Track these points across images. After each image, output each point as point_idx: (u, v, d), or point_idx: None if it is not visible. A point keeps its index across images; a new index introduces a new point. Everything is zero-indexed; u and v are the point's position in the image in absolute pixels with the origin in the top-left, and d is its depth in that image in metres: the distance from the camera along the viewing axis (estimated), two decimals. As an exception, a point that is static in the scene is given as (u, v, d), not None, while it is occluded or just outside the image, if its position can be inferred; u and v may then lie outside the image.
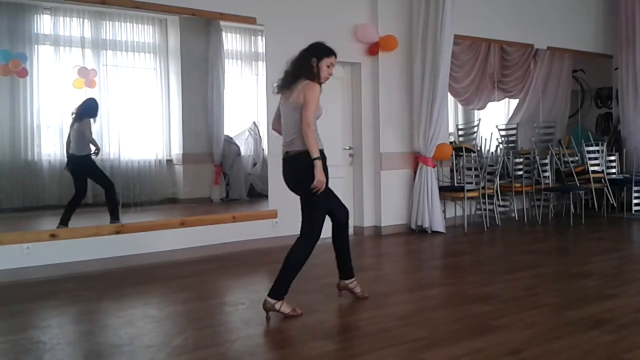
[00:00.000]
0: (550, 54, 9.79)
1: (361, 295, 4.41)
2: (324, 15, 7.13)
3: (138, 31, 6.76)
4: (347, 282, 4.40)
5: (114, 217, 6.10)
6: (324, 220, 4.11)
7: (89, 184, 6.28)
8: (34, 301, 4.64)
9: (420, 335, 3.58)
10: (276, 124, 4.38)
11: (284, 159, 4.14)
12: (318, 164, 3.90)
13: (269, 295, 3.96)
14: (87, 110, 6.15)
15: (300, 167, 3.98)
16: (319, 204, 4.02)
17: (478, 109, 9.51)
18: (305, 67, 4.03)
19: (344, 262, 4.37)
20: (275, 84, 4.21)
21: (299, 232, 4.04)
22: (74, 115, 6.13)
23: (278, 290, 3.96)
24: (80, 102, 6.16)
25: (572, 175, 8.66)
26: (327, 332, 3.76)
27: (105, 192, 6.25)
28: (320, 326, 3.83)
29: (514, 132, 9.38)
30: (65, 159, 6.18)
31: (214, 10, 6.49)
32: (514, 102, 9.98)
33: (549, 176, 8.72)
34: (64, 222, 5.91)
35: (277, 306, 3.93)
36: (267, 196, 6.91)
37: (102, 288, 5.04)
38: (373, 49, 7.59)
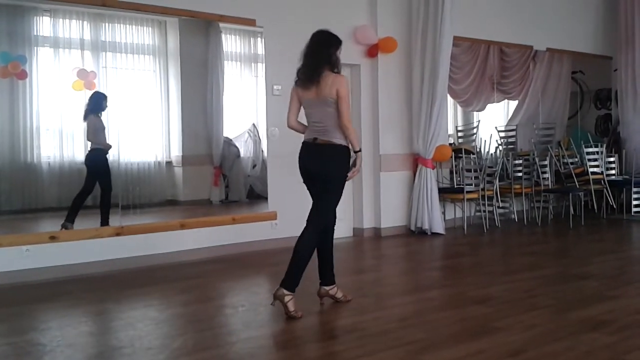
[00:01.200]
0: (549, 56, 9.79)
1: (344, 299, 4.37)
2: (323, 17, 7.12)
3: (137, 33, 6.76)
4: (327, 288, 4.34)
5: (105, 222, 6.10)
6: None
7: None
8: (34, 303, 4.63)
9: (420, 337, 3.58)
10: (293, 121, 4.28)
11: (310, 143, 4.13)
12: (360, 155, 4.14)
13: (282, 285, 3.96)
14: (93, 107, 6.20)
15: (332, 158, 4.07)
16: (340, 194, 4.14)
17: (477, 111, 9.51)
18: (327, 59, 4.08)
19: (328, 268, 4.33)
20: (295, 79, 4.17)
21: (306, 223, 4.10)
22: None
23: (291, 282, 3.97)
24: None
25: (572, 177, 8.67)
26: (328, 334, 3.76)
27: (103, 194, 6.25)
28: (321, 328, 3.83)
29: (513, 133, 9.38)
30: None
31: (214, 12, 6.49)
32: (514, 104, 9.98)
33: (548, 178, 8.72)
34: (70, 220, 5.93)
35: (287, 299, 3.94)
36: (266, 198, 6.91)
37: (102, 290, 5.04)
38: (372, 51, 7.59)
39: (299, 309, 3.99)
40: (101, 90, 6.29)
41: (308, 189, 4.23)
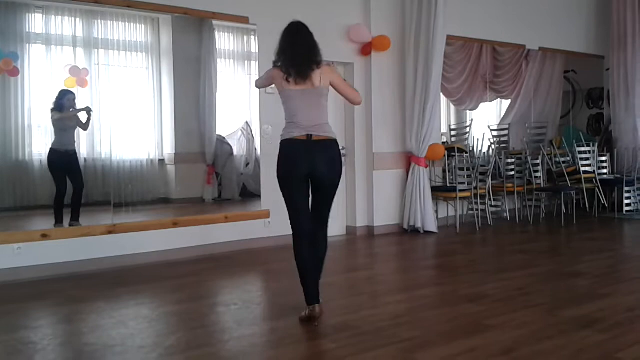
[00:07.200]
0: (542, 55, 9.83)
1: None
2: (316, 15, 7.10)
3: (130, 30, 6.74)
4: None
5: (75, 219, 6.08)
6: None
7: (86, 183, 6.31)
8: (25, 301, 4.61)
9: (413, 335, 3.59)
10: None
11: (307, 142, 3.84)
12: None
13: (317, 302, 3.87)
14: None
15: (338, 155, 3.97)
16: None
17: (470, 110, 9.55)
18: (319, 51, 3.99)
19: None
20: (293, 70, 3.87)
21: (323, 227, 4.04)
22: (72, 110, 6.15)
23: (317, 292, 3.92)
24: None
25: (564, 176, 8.70)
26: (321, 332, 3.76)
27: (77, 192, 6.23)
28: (313, 326, 3.83)
29: (505, 132, 9.41)
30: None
31: (207, 10, 6.48)
32: (506, 103, 10.02)
33: (540, 176, 8.75)
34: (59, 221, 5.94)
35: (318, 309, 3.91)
36: (259, 196, 6.90)
37: (94, 288, 5.02)
38: (366, 49, 7.59)
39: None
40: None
41: (296, 191, 3.88)
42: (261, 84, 4.31)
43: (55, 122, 6.11)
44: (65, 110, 6.12)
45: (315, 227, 3.98)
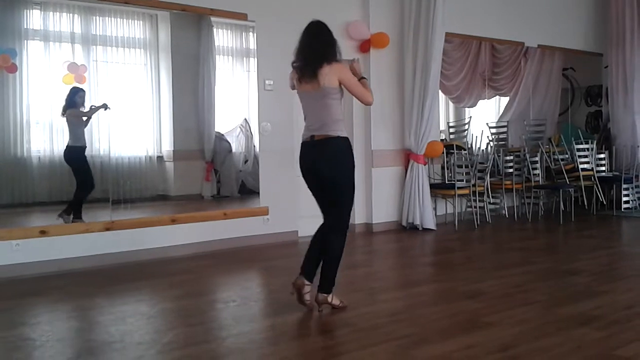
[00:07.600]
0: (540, 52, 9.82)
1: (341, 305, 4.12)
2: (315, 11, 7.06)
3: (128, 26, 6.73)
4: (326, 295, 4.04)
5: (78, 216, 6.09)
6: None
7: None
8: (24, 298, 4.61)
9: (410, 331, 3.59)
10: None
11: (309, 143, 3.95)
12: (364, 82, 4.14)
13: (319, 291, 3.99)
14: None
15: (338, 153, 3.92)
16: (353, 193, 4.04)
17: (469, 107, 9.54)
18: (334, 49, 3.94)
19: (331, 275, 4.08)
20: (302, 71, 3.93)
21: (329, 226, 4.03)
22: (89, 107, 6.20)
23: (327, 284, 4.01)
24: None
25: (562, 173, 8.70)
26: (318, 329, 3.76)
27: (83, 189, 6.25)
28: (312, 323, 3.83)
29: (504, 129, 9.41)
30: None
31: (205, 6, 6.47)
32: (505, 100, 10.01)
33: (539, 174, 8.76)
34: (67, 212, 6.00)
35: (329, 299, 4.02)
36: (258, 193, 6.90)
37: (92, 285, 5.02)
38: (364, 46, 7.59)
39: (342, 299, 4.11)
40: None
41: (311, 189, 4.05)
42: (290, 85, 4.20)
43: (70, 120, 6.12)
44: (77, 107, 6.13)
45: (326, 227, 4.04)
